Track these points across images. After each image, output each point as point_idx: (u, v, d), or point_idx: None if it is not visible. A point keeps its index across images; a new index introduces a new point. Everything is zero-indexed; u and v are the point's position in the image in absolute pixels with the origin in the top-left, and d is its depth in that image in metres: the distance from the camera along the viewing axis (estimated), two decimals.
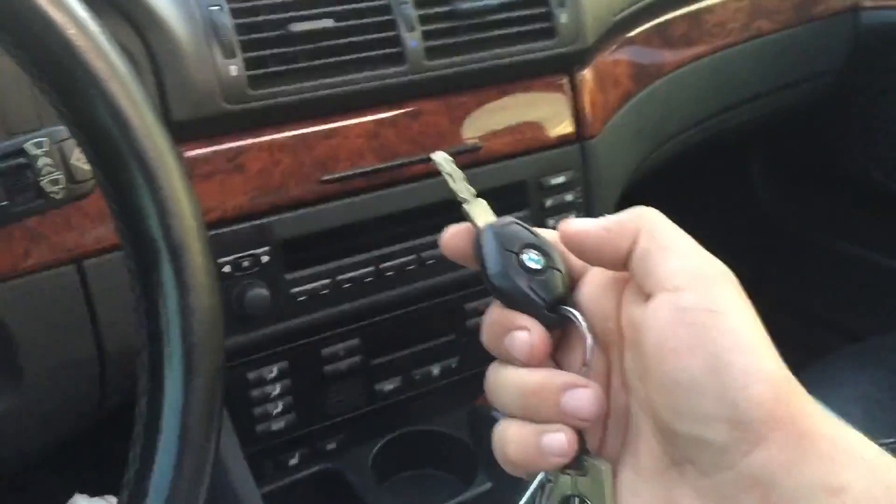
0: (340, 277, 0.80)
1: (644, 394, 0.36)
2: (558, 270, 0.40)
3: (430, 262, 0.84)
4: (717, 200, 1.73)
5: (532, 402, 0.38)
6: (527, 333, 0.38)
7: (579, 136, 0.92)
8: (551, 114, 0.90)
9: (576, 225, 0.39)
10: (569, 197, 0.91)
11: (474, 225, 0.41)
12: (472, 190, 0.43)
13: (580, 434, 0.38)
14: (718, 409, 0.33)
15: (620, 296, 0.39)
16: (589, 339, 0.39)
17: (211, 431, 0.43)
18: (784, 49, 1.22)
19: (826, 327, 1.56)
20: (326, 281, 0.79)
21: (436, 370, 0.90)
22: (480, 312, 0.91)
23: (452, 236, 0.42)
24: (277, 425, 0.82)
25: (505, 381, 0.39)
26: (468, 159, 0.85)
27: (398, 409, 0.90)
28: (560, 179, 0.91)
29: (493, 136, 0.86)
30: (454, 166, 0.44)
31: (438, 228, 0.83)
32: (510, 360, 0.39)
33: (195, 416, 0.42)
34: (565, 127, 0.91)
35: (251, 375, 0.80)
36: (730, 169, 1.65)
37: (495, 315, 0.40)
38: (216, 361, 0.44)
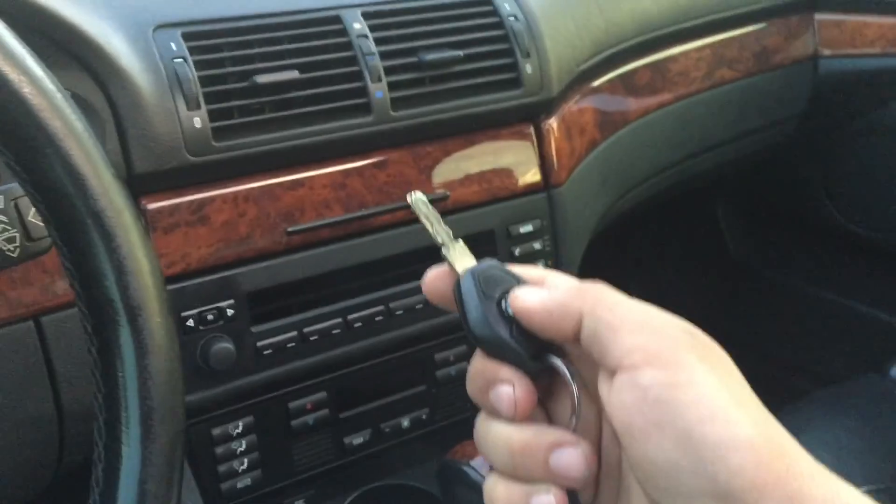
0: (307, 330, 0.79)
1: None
2: None
3: (399, 312, 0.83)
4: (684, 245, 1.75)
5: (520, 461, 0.37)
6: (510, 388, 0.37)
7: (546, 184, 0.92)
8: (518, 163, 0.90)
9: (521, 303, 0.38)
10: (537, 245, 0.91)
11: (453, 270, 0.41)
12: (450, 232, 0.42)
13: (572, 494, 0.37)
14: (700, 485, 0.32)
15: None
16: (575, 391, 0.38)
17: (169, 501, 0.42)
18: (746, 97, 1.24)
19: (795, 371, 1.57)
20: (293, 334, 0.78)
21: (406, 422, 0.89)
22: (451, 363, 0.90)
23: (433, 280, 0.42)
24: (243, 482, 0.80)
25: (492, 436, 0.38)
26: (436, 208, 0.84)
27: (368, 462, 0.89)
28: (528, 228, 0.90)
29: (461, 185, 0.86)
30: (431, 208, 0.43)
31: (407, 279, 0.84)
32: (496, 415, 0.38)
33: (153, 484, 0.41)
34: (532, 175, 0.91)
35: (216, 432, 0.79)
36: (696, 214, 1.67)
37: (478, 366, 0.39)
38: (175, 426, 0.42)
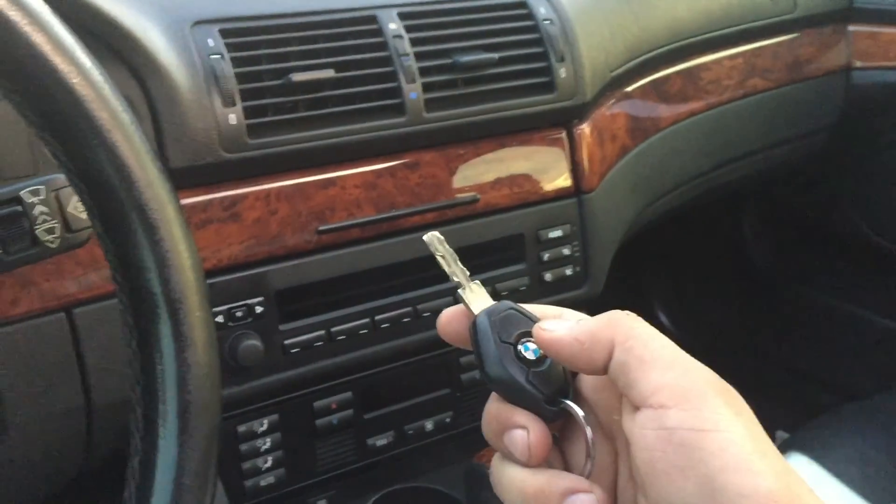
0: (335, 329, 0.79)
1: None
2: (557, 362, 0.39)
3: (426, 314, 0.83)
4: (710, 256, 1.73)
5: None
6: (525, 433, 0.37)
7: (577, 189, 0.92)
8: (549, 167, 0.90)
9: (549, 333, 0.38)
10: (566, 251, 0.91)
11: (469, 311, 0.41)
12: (466, 272, 0.42)
13: None
14: None
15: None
16: (590, 437, 0.38)
17: (205, 493, 0.42)
18: (778, 107, 1.23)
19: (819, 384, 1.55)
20: (321, 333, 0.78)
21: (429, 425, 0.89)
22: (476, 367, 0.90)
23: (449, 321, 0.42)
24: (266, 481, 0.80)
25: (507, 479, 0.38)
26: (465, 211, 0.84)
27: (391, 464, 0.88)
28: (557, 233, 0.90)
29: (491, 188, 0.86)
30: (447, 247, 0.43)
31: (435, 281, 0.83)
32: (510, 458, 0.38)
33: (189, 478, 0.41)
34: (563, 180, 0.91)
35: (241, 429, 0.79)
36: (722, 224, 1.66)
37: (493, 410, 0.39)
38: (213, 420, 0.42)
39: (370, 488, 0.89)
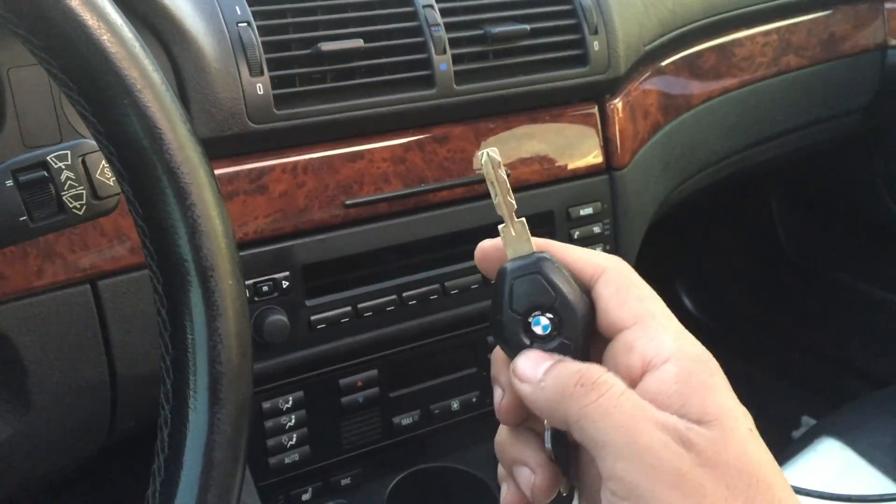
0: (361, 306, 0.77)
1: None
2: (568, 341, 0.37)
3: (454, 292, 0.81)
4: (736, 238, 1.71)
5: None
6: (532, 477, 0.38)
7: (608, 166, 0.90)
8: (581, 143, 0.88)
9: (517, 384, 0.38)
10: (596, 229, 0.89)
11: (503, 254, 0.39)
12: (514, 205, 0.39)
13: None
14: None
15: None
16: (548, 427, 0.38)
17: (236, 468, 0.40)
18: (811, 86, 1.20)
19: (846, 370, 1.53)
20: (347, 309, 0.77)
21: (455, 404, 0.87)
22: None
23: (485, 256, 0.40)
24: (291, 458, 0.79)
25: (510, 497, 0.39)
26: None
27: (416, 444, 0.87)
28: (588, 210, 0.88)
29: (521, 164, 0.84)
30: (502, 174, 0.39)
31: (463, 258, 0.81)
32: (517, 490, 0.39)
33: (220, 451, 0.40)
34: (594, 157, 0.89)
35: (266, 405, 0.77)
36: (751, 206, 1.63)
37: (504, 439, 0.40)
38: (244, 392, 0.41)
39: (395, 467, 0.88)
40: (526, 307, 0.37)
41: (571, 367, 0.36)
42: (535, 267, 0.38)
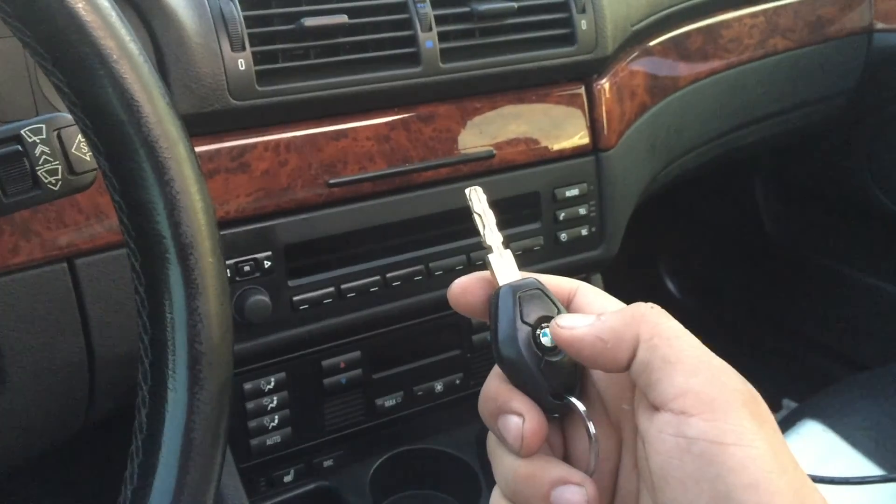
0: (345, 286, 0.76)
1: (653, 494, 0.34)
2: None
3: (438, 273, 0.81)
4: (719, 222, 1.71)
5: (521, 489, 0.36)
6: (520, 422, 0.36)
7: (595, 147, 0.89)
8: (567, 123, 0.87)
9: (568, 332, 0.36)
10: (582, 210, 0.88)
11: (494, 280, 0.38)
12: (501, 237, 0.40)
13: None
14: None
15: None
16: (593, 439, 0.36)
17: (216, 450, 0.39)
18: (798, 68, 1.20)
19: (828, 353, 1.53)
20: (330, 289, 0.76)
21: (439, 386, 0.87)
22: (487, 328, 0.87)
23: (464, 292, 0.39)
24: (273, 440, 0.79)
25: (499, 458, 0.37)
26: (480, 167, 0.82)
27: (399, 426, 0.87)
28: (574, 192, 0.87)
29: (508, 144, 0.83)
30: (487, 207, 0.40)
31: (448, 239, 0.81)
32: (502, 442, 0.37)
33: (200, 432, 0.39)
34: (581, 138, 0.88)
35: (247, 386, 0.77)
36: (733, 190, 1.63)
37: (493, 389, 0.37)
38: (224, 372, 0.40)
39: (378, 449, 0.87)
40: (535, 320, 0.37)
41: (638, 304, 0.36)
42: (536, 284, 0.38)
